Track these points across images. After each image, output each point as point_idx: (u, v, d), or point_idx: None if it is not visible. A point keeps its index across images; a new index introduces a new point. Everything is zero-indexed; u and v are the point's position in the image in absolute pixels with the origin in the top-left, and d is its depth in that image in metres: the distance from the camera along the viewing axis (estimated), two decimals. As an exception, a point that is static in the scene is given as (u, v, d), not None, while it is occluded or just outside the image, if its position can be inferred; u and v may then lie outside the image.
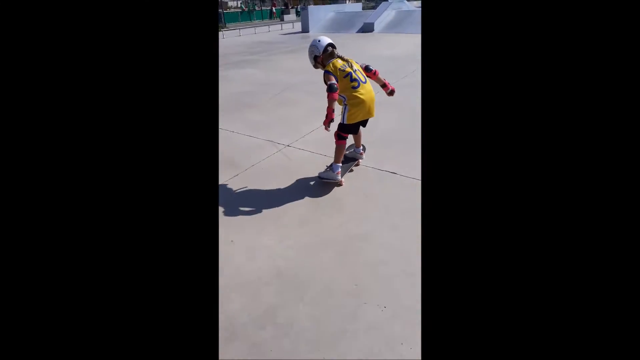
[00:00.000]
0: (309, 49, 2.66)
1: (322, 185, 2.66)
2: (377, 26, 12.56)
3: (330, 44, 2.59)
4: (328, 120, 2.42)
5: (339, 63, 2.52)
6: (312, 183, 2.72)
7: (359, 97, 2.46)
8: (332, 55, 2.57)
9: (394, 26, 12.26)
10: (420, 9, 13.27)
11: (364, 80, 2.52)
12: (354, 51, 8.49)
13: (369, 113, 2.54)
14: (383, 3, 14.30)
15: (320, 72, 2.61)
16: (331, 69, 2.48)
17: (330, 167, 2.65)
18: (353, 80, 2.46)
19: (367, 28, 12.57)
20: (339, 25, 13.54)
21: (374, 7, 16.37)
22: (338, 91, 2.41)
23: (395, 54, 7.99)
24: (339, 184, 2.65)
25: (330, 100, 2.39)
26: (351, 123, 2.52)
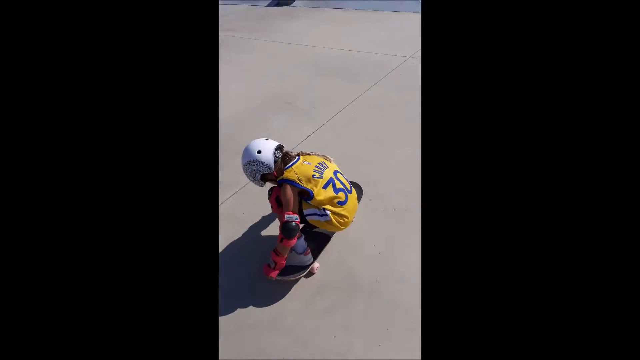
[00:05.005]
0: (247, 167, 1.64)
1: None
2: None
3: (277, 147, 1.65)
4: (275, 272, 1.63)
5: (307, 165, 1.61)
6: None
7: (344, 217, 1.63)
8: (286, 159, 1.63)
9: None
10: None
11: (349, 188, 1.70)
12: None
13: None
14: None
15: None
16: (294, 177, 1.56)
17: (292, 250, 1.67)
18: (338, 190, 1.61)
19: (284, -1, 7.64)
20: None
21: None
22: (296, 236, 1.61)
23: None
24: (312, 271, 1.74)
25: (283, 249, 1.58)
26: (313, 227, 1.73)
